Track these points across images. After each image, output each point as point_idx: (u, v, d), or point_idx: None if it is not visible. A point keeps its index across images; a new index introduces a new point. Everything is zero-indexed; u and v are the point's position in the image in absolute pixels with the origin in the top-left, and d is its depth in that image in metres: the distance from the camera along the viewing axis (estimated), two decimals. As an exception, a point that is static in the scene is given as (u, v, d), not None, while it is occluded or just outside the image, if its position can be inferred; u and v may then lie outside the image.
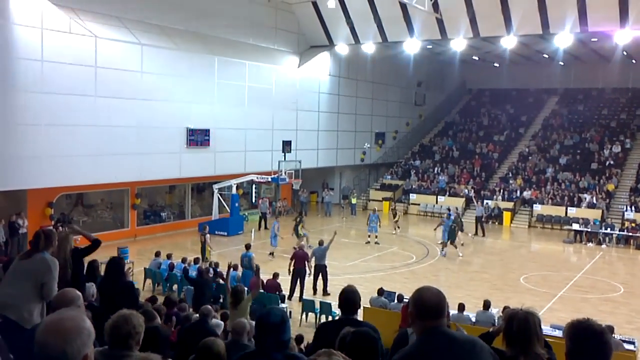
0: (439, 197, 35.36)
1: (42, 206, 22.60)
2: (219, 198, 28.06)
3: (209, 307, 8.34)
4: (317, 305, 14.62)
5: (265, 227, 28.61)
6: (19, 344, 3.55)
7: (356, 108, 37.88)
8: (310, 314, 14.72)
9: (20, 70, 19.98)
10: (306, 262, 17.21)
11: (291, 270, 17.11)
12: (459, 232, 24.56)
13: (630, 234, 27.88)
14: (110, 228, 25.52)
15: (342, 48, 33.54)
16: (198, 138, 26.87)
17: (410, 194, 36.21)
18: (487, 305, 12.75)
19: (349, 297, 5.19)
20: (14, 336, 3.78)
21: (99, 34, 22.42)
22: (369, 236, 25.53)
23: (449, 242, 23.65)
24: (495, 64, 43.24)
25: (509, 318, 3.53)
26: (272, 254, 22.39)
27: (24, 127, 19.99)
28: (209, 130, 27.30)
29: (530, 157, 37.59)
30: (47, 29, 20.62)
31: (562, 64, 40.68)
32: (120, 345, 3.63)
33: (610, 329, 11.31)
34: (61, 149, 21.04)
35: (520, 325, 3.46)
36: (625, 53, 35.50)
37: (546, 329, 11.32)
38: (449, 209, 28.61)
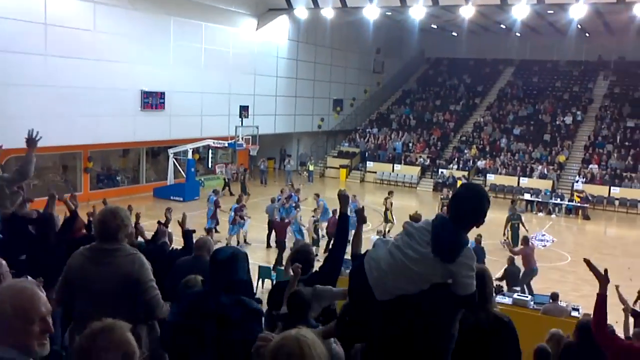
0: (395, 165, 35.67)
1: (-11, 168, 21.86)
2: (174, 163, 27.65)
3: (168, 230, 8.00)
4: (274, 273, 14.65)
5: (231, 194, 28.15)
6: None
7: (315, 74, 37.62)
8: (266, 280, 14.75)
9: (-36, 26, 19.10)
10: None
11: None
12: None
13: (579, 204, 28.76)
14: (63, 192, 24.89)
15: (302, 12, 33.05)
16: (153, 101, 26.32)
17: (367, 162, 36.42)
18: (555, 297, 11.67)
19: (302, 257, 5.16)
20: None
21: (49, -11, 21.53)
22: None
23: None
24: (454, 33, 43.38)
25: None
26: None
27: (-31, 86, 19.21)
28: (164, 93, 26.76)
29: (485, 127, 38.15)
30: (-8, -17, 19.69)
31: (519, 35, 41.12)
32: (111, 239, 3.64)
33: (556, 296, 11.73)
34: (9, 109, 20.24)
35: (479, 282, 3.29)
36: (579, 27, 36.07)
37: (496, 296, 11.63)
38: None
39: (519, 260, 15.32)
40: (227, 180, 29.52)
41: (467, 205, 3.00)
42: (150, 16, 25.71)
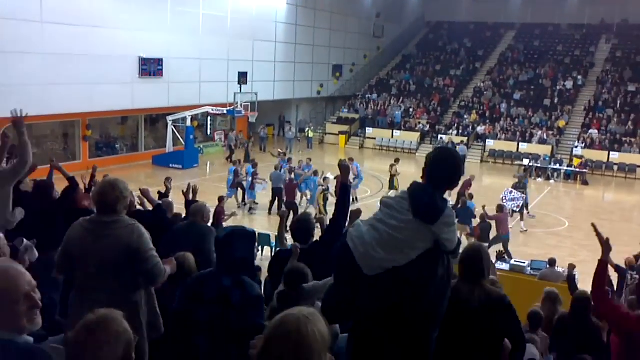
0: (394, 131, 35.59)
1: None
2: (173, 130, 27.59)
3: (169, 200, 7.98)
4: (273, 240, 14.73)
5: (231, 160, 28.03)
6: None
7: (314, 39, 37.24)
8: (265, 247, 14.84)
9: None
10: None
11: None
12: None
13: (578, 169, 28.76)
14: (62, 160, 24.85)
15: (300, -24, 32.57)
16: (151, 68, 26.12)
17: (367, 128, 36.32)
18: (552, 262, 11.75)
19: (303, 226, 5.21)
20: None
21: (43, -46, 21.18)
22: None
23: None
24: (455, -4, 42.86)
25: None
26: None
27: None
28: (162, 59, 26.54)
29: (485, 92, 37.94)
30: (-15, -52, 19.37)
31: (520, -2, 40.65)
32: (109, 211, 3.71)
33: (553, 262, 11.84)
34: (6, 77, 20.13)
35: (474, 259, 3.43)
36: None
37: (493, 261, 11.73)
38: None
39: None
40: (232, 147, 29.42)
41: (442, 169, 3.12)
42: (146, -19, 25.39)
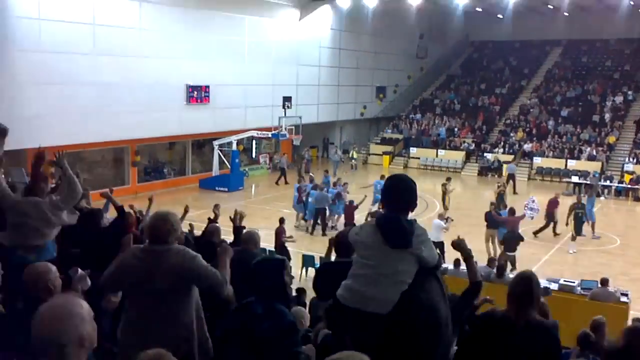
0: (439, 150, 35.40)
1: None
2: (219, 154, 28.14)
3: (216, 225, 8.14)
4: (317, 261, 14.80)
5: (286, 182, 28.43)
6: None
7: (358, 62, 37.53)
8: (310, 269, 14.92)
9: (17, 29, 19.90)
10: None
11: None
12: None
13: (629, 186, 27.99)
14: (111, 185, 25.62)
15: (344, 1, 32.95)
16: (198, 95, 26.84)
17: (411, 148, 36.24)
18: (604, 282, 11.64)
19: (345, 240, 5.33)
20: None
21: (95, -10, 22.15)
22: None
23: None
24: (499, 15, 42.46)
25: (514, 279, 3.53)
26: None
27: (23, 86, 19.96)
28: (208, 86, 27.23)
29: (531, 110, 37.41)
30: (42, -14, 20.39)
31: (566, 14, 39.96)
32: (161, 242, 3.89)
33: (605, 281, 11.56)
34: (60, 107, 21.07)
35: (525, 287, 3.44)
36: (632, 2, 34.81)
37: (542, 281, 11.52)
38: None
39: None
40: (284, 169, 29.72)
41: (401, 195, 3.31)
42: (193, 11, 26.15)
